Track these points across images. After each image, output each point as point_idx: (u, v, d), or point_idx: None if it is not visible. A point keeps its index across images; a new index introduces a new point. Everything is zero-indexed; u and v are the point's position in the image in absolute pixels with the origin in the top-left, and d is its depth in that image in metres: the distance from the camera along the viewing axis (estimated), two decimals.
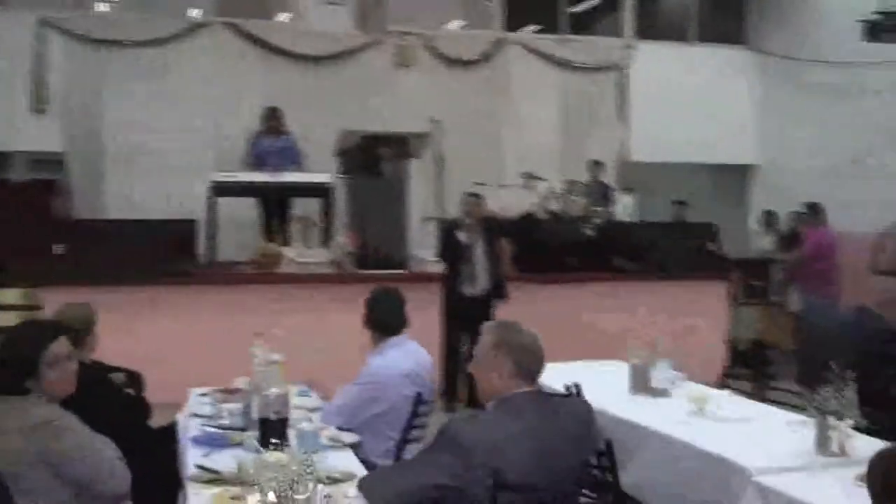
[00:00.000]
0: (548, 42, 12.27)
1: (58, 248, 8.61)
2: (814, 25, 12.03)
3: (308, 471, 2.62)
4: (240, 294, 8.78)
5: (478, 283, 8.42)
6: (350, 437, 3.93)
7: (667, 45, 12.75)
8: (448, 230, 8.54)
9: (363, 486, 3.04)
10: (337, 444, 3.85)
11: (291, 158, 10.56)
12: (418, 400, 4.37)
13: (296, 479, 2.60)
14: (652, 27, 13.01)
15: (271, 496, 2.62)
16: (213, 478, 3.32)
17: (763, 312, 10.44)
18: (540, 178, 11.18)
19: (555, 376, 5.31)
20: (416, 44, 11.65)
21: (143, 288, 8.34)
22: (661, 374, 4.65)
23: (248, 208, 10.97)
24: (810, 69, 12.09)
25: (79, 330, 4.16)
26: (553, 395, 3.37)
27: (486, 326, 3.35)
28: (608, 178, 11.79)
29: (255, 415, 3.97)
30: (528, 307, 8.78)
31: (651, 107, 12.31)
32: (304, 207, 10.95)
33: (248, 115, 11.19)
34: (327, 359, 8.66)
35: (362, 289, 8.84)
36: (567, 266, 9.85)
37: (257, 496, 2.71)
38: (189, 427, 4.26)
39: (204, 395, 4.77)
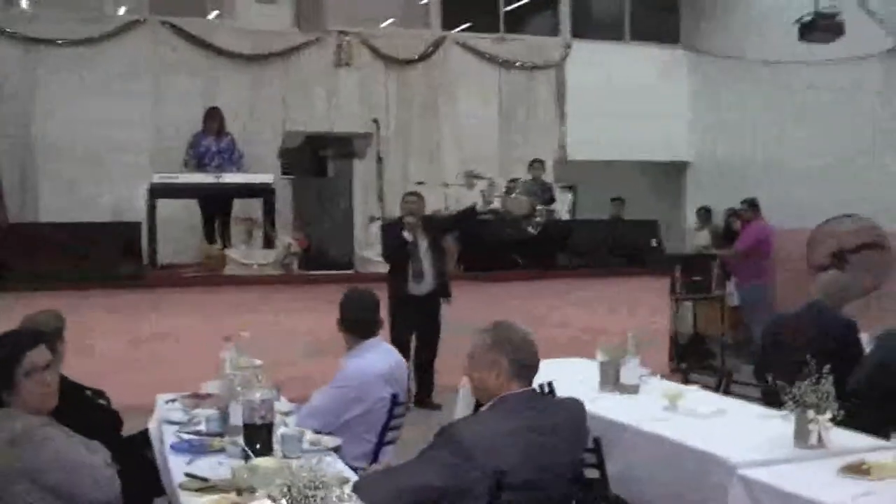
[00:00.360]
0: (486, 41, 12.31)
1: None
2: (748, 25, 12.29)
3: (320, 477, 2.60)
4: (190, 297, 8.67)
5: (424, 281, 8.42)
6: (332, 441, 3.90)
7: (603, 44, 12.89)
8: (392, 229, 8.52)
9: (360, 488, 3.02)
10: (319, 448, 3.83)
11: (232, 159, 10.46)
12: (395, 401, 4.37)
13: (310, 485, 2.57)
14: (588, 26, 13.14)
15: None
16: (204, 486, 3.27)
17: (702, 307, 10.68)
18: (481, 177, 11.20)
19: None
20: (355, 42, 11.58)
21: (88, 293, 8.15)
22: (630, 370, 4.70)
23: (185, 210, 10.83)
24: (744, 68, 12.33)
25: (51, 338, 4.06)
26: (546, 395, 3.39)
27: (483, 327, 3.34)
28: (548, 176, 11.87)
29: (235, 420, 3.92)
30: (474, 306, 8.83)
31: (588, 105, 12.45)
32: (243, 209, 10.87)
33: (187, 116, 11.04)
34: (283, 360, 8.63)
35: (311, 290, 8.96)
36: (511, 264, 9.92)
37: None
38: (163, 434, 4.19)
39: (172, 400, 4.69)
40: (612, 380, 4.80)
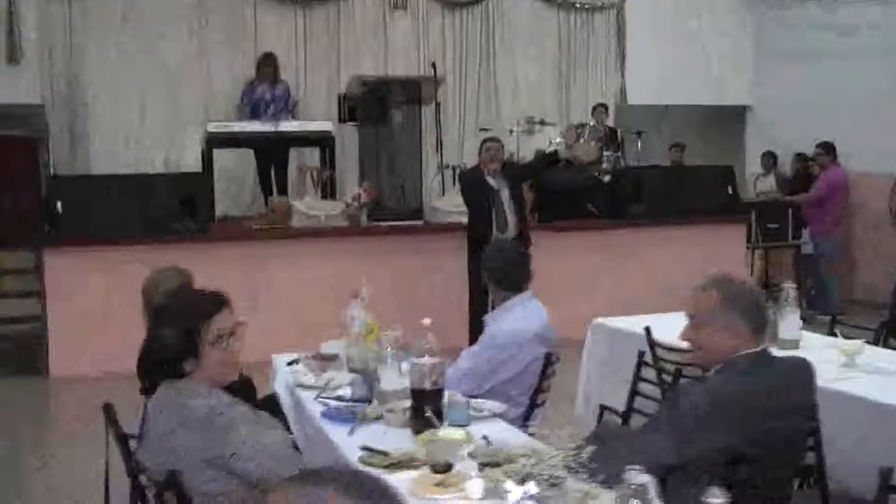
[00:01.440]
0: None
1: (57, 207, 8.02)
2: None
3: (574, 457, 2.25)
4: (258, 250, 8.34)
5: (508, 230, 8.06)
6: (497, 406, 3.56)
7: None
8: (473, 176, 8.13)
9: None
10: (485, 415, 3.49)
11: (287, 107, 10.08)
12: (548, 361, 4.02)
13: (561, 466, 2.23)
14: None
15: (531, 486, 2.25)
16: (390, 461, 2.93)
17: (774, 255, 10.31)
18: (547, 123, 10.83)
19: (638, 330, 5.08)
20: None
21: (158, 246, 7.80)
22: (791, 323, 4.34)
23: (238, 160, 10.47)
24: (803, 7, 11.82)
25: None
26: (775, 356, 3.02)
27: (703, 282, 2.97)
28: (608, 121, 11.44)
29: (388, 385, 3.59)
30: (552, 256, 8.51)
31: (647, 48, 11.98)
32: (298, 158, 10.50)
33: (236, 63, 10.64)
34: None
35: (382, 242, 8.61)
36: (586, 213, 9.54)
37: (507, 484, 2.33)
38: (300, 399, 3.86)
39: (293, 361, 4.35)
40: (770, 335, 4.42)
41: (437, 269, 8.74)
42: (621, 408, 5.15)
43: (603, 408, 4.97)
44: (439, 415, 3.24)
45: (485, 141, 8.27)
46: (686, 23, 12.12)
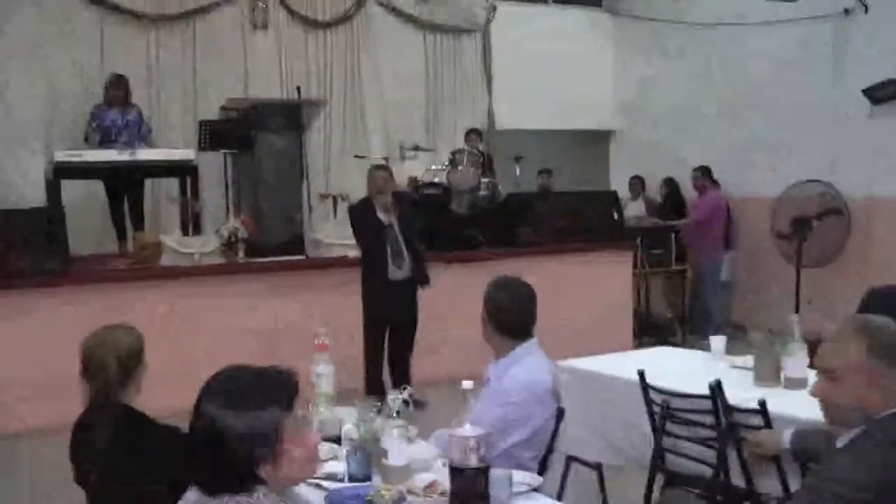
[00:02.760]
0: (409, 1, 11.33)
1: None
2: None
3: None
4: (128, 292, 7.39)
5: (404, 265, 7.49)
6: (533, 479, 3.00)
7: (526, 6, 12.13)
8: (364, 209, 7.51)
9: None
10: (523, 489, 2.91)
11: (141, 133, 9.14)
12: (560, 417, 3.47)
13: None
14: None
15: None
16: None
17: (656, 280, 10.18)
18: (423, 149, 10.33)
19: (617, 366, 4.63)
20: (271, 2, 10.38)
21: (6, 293, 6.81)
22: (798, 361, 3.96)
23: (84, 191, 9.43)
24: (671, 31, 11.86)
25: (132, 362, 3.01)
26: None
27: (845, 326, 2.49)
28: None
29: (395, 459, 2.96)
30: (445, 290, 8.03)
31: (514, 72, 11.69)
32: (154, 190, 9.61)
33: (82, 86, 9.62)
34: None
35: (263, 279, 7.86)
36: (472, 243, 9.09)
37: None
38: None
39: None
40: (772, 374, 4.05)
41: (325, 306, 8.05)
42: (592, 458, 4.70)
43: (570, 459, 4.49)
44: (486, 498, 2.64)
45: (374, 169, 7.68)
46: (551, 46, 11.91)
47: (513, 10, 11.83)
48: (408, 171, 10.25)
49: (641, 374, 4.07)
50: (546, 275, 9.03)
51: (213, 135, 8.79)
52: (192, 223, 8.35)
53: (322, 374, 3.59)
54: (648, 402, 4.07)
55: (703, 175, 10.30)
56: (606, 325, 9.39)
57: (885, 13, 9.47)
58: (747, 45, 10.80)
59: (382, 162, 8.39)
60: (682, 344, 9.85)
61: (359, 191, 9.31)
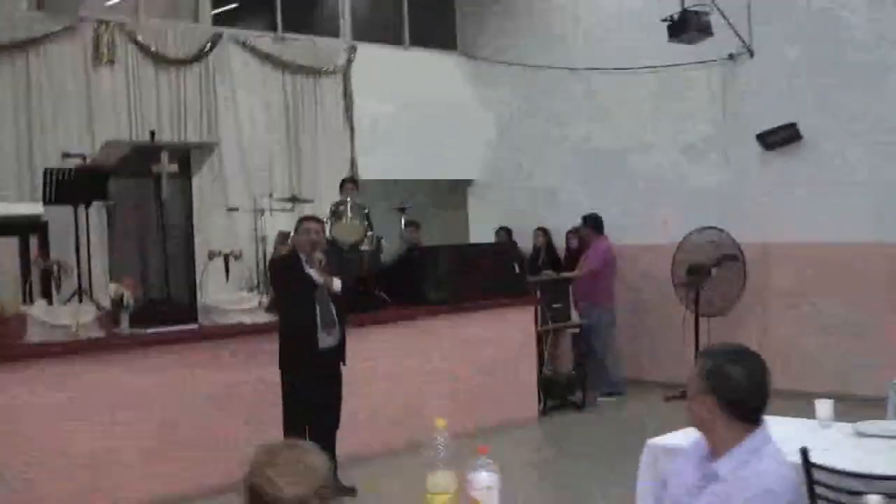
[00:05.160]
0: (265, 39, 10.29)
1: None
2: (525, 30, 11.49)
3: None
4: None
5: (334, 331, 6.50)
6: None
7: (385, 48, 11.37)
8: (291, 264, 6.47)
9: None
10: None
11: None
12: None
13: None
14: (369, 27, 11.55)
15: None
16: None
17: (562, 335, 9.63)
18: (302, 199, 9.32)
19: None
20: (117, 35, 9.08)
21: None
22: None
23: None
24: (522, 74, 11.49)
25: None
26: None
27: None
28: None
29: None
30: (369, 355, 7.16)
31: (376, 118, 10.89)
32: None
33: None
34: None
35: (151, 354, 6.60)
36: (375, 302, 8.17)
37: None
38: None
39: None
40: None
41: (230, 384, 6.91)
42: None
43: None
44: None
45: (305, 221, 6.66)
46: (411, 92, 11.21)
47: (372, 53, 11.04)
48: (275, 224, 9.19)
49: (805, 452, 3.36)
50: (455, 334, 8.36)
51: (63, 185, 7.42)
52: (55, 290, 6.94)
53: (489, 487, 2.64)
54: (811, 487, 3.36)
55: (593, 223, 9.87)
56: (513, 386, 8.74)
57: (771, 57, 9.43)
58: (625, 90, 10.54)
59: (320, 211, 7.36)
60: (584, 405, 9.34)
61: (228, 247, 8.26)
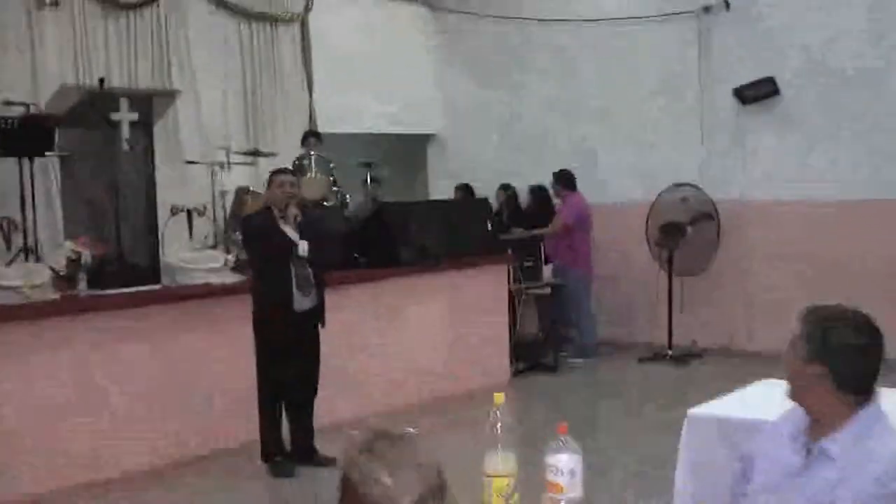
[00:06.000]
0: None
1: None
2: None
3: None
4: None
5: (312, 293, 6.09)
6: None
7: None
8: (266, 221, 6.02)
9: None
10: None
11: None
12: None
13: None
14: None
15: None
16: None
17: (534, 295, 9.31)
18: (264, 153, 8.82)
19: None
20: None
21: None
22: None
23: None
24: (492, 26, 11.06)
25: None
26: None
27: None
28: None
29: None
30: (344, 317, 6.78)
31: (335, 69, 10.37)
32: None
33: None
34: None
35: (115, 319, 6.12)
36: (349, 262, 7.76)
37: None
38: None
39: None
40: None
41: (198, 349, 6.47)
42: None
43: None
44: None
45: (278, 174, 6.20)
46: (371, 42, 10.74)
47: (331, 1, 10.49)
48: (234, 180, 8.69)
49: None
50: (430, 295, 8.01)
51: (8, 135, 6.84)
52: (13, 249, 6.40)
53: (571, 472, 2.29)
54: None
55: (564, 179, 9.53)
56: (486, 347, 8.43)
57: (748, 10, 9.15)
58: (595, 42, 10.18)
59: (284, 165, 6.90)
60: (556, 367, 9.07)
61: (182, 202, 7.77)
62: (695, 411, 3.62)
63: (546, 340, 9.29)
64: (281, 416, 6.16)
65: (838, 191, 8.66)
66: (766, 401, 3.69)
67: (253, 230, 6.05)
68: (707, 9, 9.38)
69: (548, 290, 9.22)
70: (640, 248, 9.54)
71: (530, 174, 10.23)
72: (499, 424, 2.54)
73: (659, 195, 9.36)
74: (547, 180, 9.83)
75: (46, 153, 7.03)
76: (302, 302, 6.01)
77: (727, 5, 9.27)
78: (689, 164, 9.48)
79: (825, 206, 8.70)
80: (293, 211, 6.00)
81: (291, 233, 6.00)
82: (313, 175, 8.51)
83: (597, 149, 10.21)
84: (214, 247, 7.81)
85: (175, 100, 7.08)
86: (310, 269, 6.06)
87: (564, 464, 2.35)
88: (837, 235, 8.68)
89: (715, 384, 8.28)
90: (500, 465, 2.47)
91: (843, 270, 8.56)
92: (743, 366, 8.83)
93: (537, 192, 10.01)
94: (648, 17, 9.65)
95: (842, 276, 8.57)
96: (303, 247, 5.99)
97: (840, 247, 8.65)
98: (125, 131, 6.36)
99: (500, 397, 2.57)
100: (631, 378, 8.88)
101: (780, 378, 4.11)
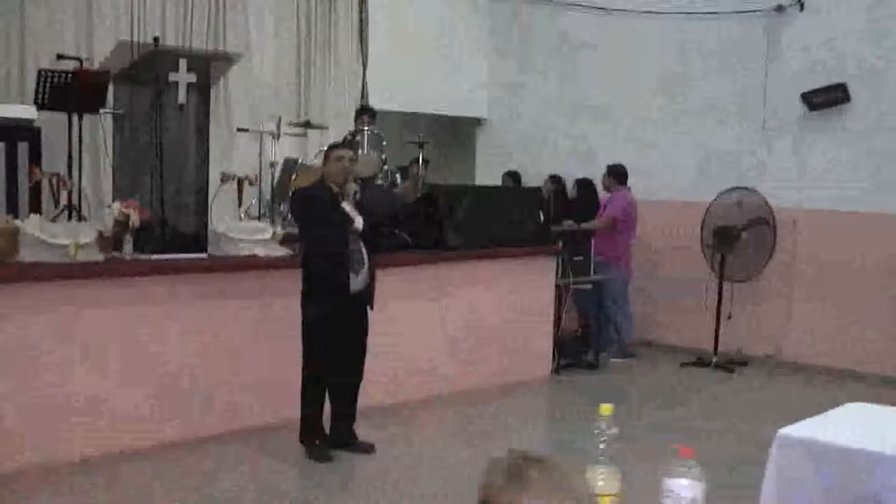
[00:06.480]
0: None
1: None
2: None
3: None
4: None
5: (362, 272, 5.89)
6: None
7: None
8: (323, 196, 5.81)
9: None
10: None
11: None
12: None
13: None
14: None
15: None
16: None
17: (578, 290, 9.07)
18: (316, 126, 8.63)
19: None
20: None
21: None
22: None
23: None
24: (552, 15, 10.81)
25: None
26: None
27: None
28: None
29: None
30: (391, 301, 6.58)
31: (388, 48, 10.16)
32: None
33: None
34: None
35: (158, 285, 5.94)
36: (396, 242, 7.54)
37: None
38: None
39: None
40: None
41: (243, 321, 6.30)
42: None
43: None
44: None
45: (333, 148, 6.01)
46: (427, 23, 10.53)
47: None
48: (281, 151, 8.51)
49: None
50: (476, 283, 7.81)
51: (58, 89, 6.67)
52: (63, 206, 6.24)
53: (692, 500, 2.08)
54: None
55: (615, 173, 9.29)
56: (529, 340, 8.23)
57: (820, 12, 8.84)
58: (660, 36, 9.90)
59: (335, 139, 6.72)
60: (597, 365, 8.85)
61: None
62: (785, 432, 3.39)
63: (585, 337, 9.05)
64: (324, 398, 5.96)
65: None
66: (859, 425, 3.48)
67: (309, 204, 5.84)
68: (781, 8, 9.05)
69: (587, 287, 8.94)
70: (690, 249, 9.28)
71: (578, 168, 9.98)
72: (604, 438, 2.33)
73: (715, 197, 9.08)
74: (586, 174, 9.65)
75: (99, 110, 6.88)
76: (354, 282, 5.81)
77: (801, 6, 8.95)
78: (749, 166, 9.20)
79: (886, 219, 8.42)
80: (352, 186, 5.80)
81: (350, 209, 5.80)
82: (366, 151, 8.30)
83: (655, 141, 9.95)
84: (260, 218, 7.65)
85: (234, 64, 6.85)
86: (363, 249, 5.86)
87: (686, 491, 2.13)
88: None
89: (760, 394, 8.15)
90: (606, 482, 2.26)
91: None
92: (787, 377, 8.62)
93: (585, 184, 9.73)
94: (712, 13, 9.36)
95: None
96: (359, 222, 5.79)
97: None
98: (181, 94, 6.15)
99: (607, 409, 2.35)
100: (672, 381, 8.64)
101: (864, 400, 3.95)
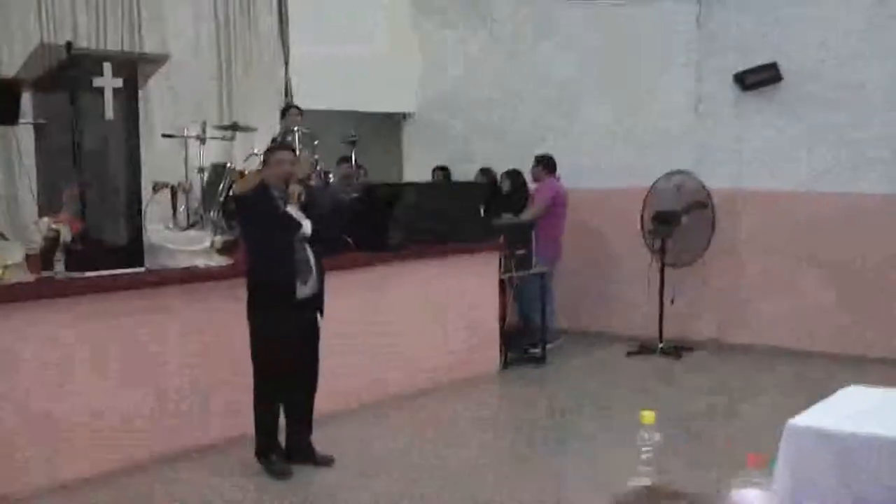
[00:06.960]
0: None
1: None
2: None
3: None
4: None
5: (311, 279, 5.62)
6: None
7: None
8: (265, 199, 5.52)
9: None
10: None
11: None
12: None
13: None
14: None
15: None
16: None
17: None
18: (244, 128, 8.28)
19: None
20: None
21: None
22: None
23: None
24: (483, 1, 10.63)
25: None
26: None
27: None
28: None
29: None
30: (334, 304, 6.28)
31: (310, 43, 9.81)
32: None
33: None
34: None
35: (94, 303, 5.56)
36: (340, 244, 7.27)
37: None
38: None
39: None
40: None
41: (185, 334, 5.97)
42: None
43: None
44: None
45: (273, 150, 5.72)
46: (349, 17, 10.22)
47: None
48: (208, 156, 8.14)
49: None
50: (420, 282, 7.60)
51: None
52: None
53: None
54: None
55: (544, 162, 9.17)
56: (475, 337, 8.06)
57: None
58: (586, 21, 9.79)
59: (266, 140, 6.40)
60: (545, 359, 8.70)
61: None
62: (795, 422, 3.24)
63: (529, 332, 8.90)
64: (278, 411, 5.68)
65: (841, 184, 8.43)
66: (869, 410, 3.36)
67: (250, 209, 5.55)
68: None
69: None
70: (629, 235, 9.22)
71: (507, 159, 9.79)
72: (647, 448, 2.14)
73: (654, 183, 9.01)
74: (513, 165, 9.51)
75: (19, 121, 6.43)
76: (302, 289, 5.54)
77: None
78: (684, 150, 9.16)
79: (824, 198, 8.46)
80: (296, 189, 5.52)
81: (295, 212, 5.52)
82: (298, 151, 7.99)
83: (587, 132, 9.84)
84: (193, 226, 7.30)
85: (161, 66, 6.47)
86: (310, 253, 5.59)
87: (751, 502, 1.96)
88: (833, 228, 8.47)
89: (712, 377, 8.12)
90: None
91: (842, 265, 8.38)
92: (734, 359, 8.62)
93: (514, 176, 9.56)
94: None
95: (839, 271, 8.40)
96: (307, 227, 5.53)
97: (838, 240, 8.45)
98: (108, 99, 5.77)
99: (650, 416, 2.17)
100: (622, 369, 8.56)
101: (856, 383, 3.85)
